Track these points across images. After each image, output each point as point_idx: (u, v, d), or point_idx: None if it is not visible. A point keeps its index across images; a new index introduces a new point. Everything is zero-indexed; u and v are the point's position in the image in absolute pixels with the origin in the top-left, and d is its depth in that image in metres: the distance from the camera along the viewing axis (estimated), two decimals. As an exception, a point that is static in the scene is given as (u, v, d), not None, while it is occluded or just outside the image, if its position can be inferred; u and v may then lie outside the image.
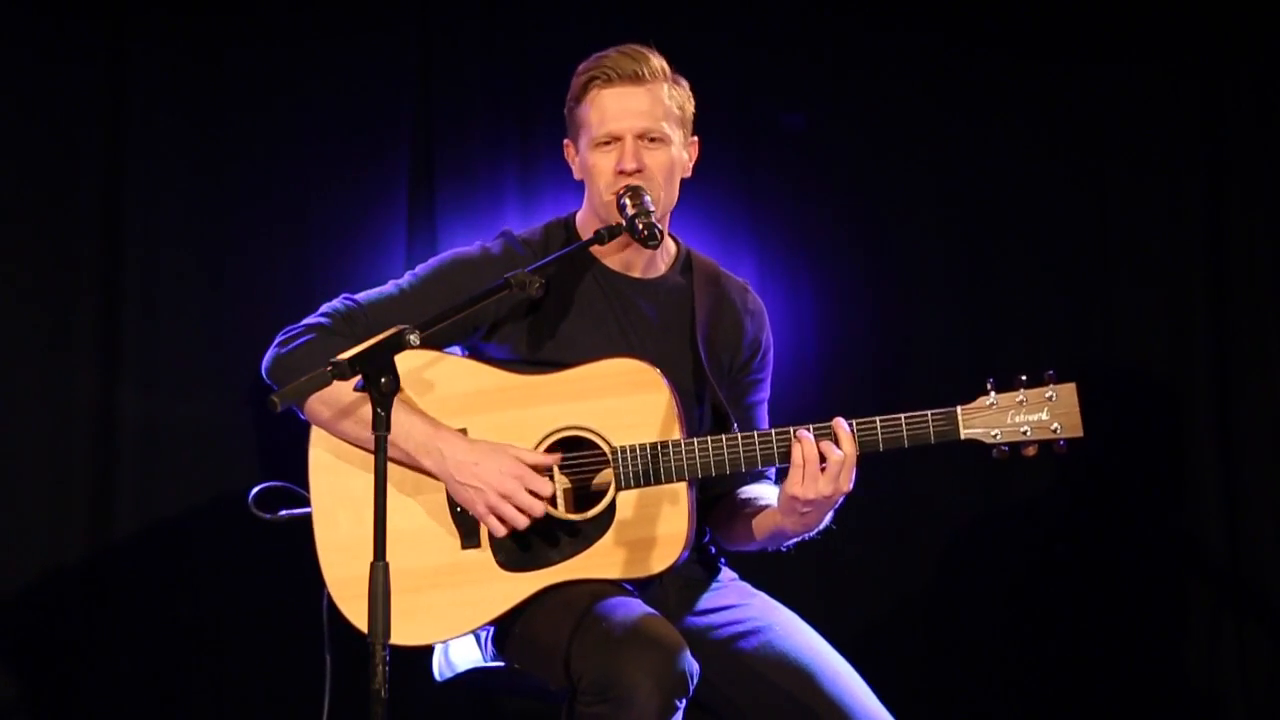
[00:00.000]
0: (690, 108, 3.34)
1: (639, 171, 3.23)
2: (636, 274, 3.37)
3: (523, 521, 3.12)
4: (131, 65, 4.37)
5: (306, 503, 3.26)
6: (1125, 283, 4.69)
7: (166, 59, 4.39)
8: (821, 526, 3.21)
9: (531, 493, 3.12)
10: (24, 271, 4.32)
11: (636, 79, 3.24)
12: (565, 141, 3.37)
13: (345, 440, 3.21)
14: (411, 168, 4.49)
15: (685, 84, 3.34)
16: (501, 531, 3.13)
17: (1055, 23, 4.68)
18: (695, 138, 3.36)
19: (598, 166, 3.26)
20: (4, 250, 4.30)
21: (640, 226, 3.14)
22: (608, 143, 3.25)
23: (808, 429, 3.10)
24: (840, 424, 3.09)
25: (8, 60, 4.31)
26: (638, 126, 3.24)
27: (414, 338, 2.82)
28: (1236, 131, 4.68)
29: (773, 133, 4.66)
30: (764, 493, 3.33)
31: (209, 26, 4.41)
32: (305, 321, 3.25)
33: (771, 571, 3.56)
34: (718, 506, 3.39)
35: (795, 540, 3.26)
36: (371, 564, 2.73)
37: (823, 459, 3.08)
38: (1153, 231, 4.70)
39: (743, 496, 3.35)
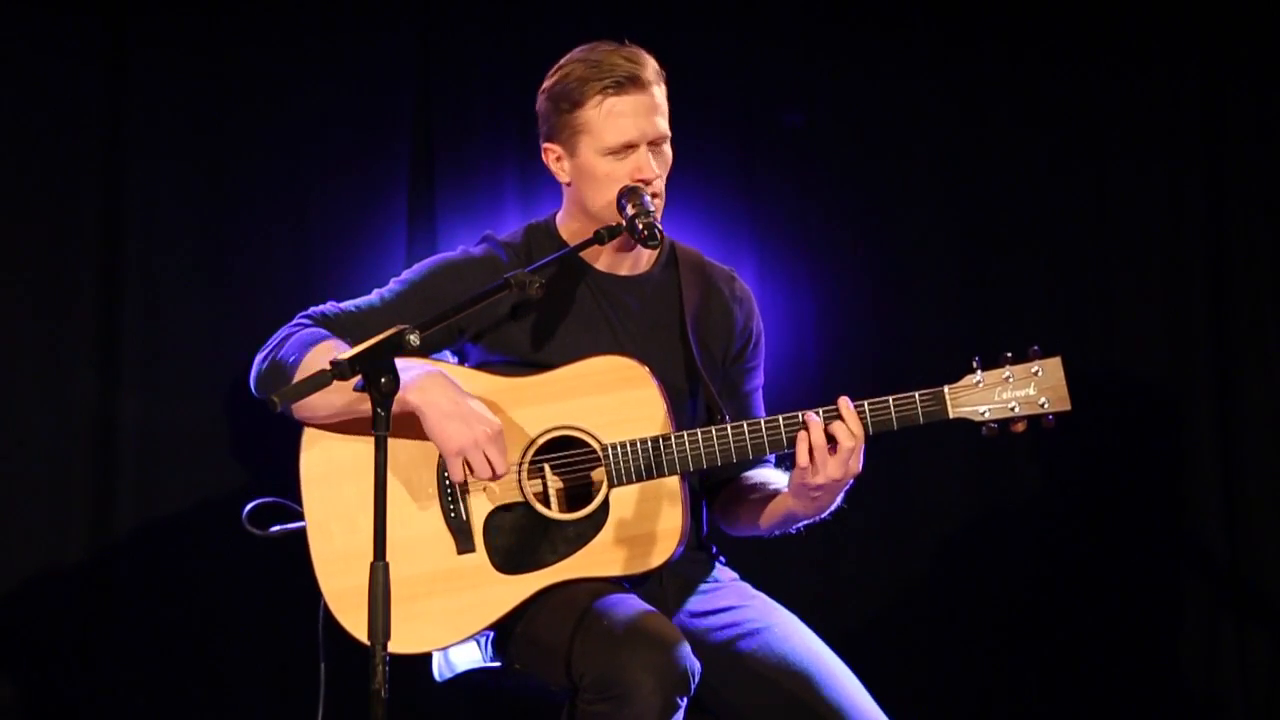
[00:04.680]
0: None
1: (657, 178, 3.23)
2: (623, 271, 3.37)
3: (486, 472, 3.08)
4: (131, 65, 4.37)
5: (299, 517, 3.25)
6: (1125, 283, 4.69)
7: (166, 59, 4.39)
8: (833, 508, 3.20)
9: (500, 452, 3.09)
10: (24, 272, 4.31)
11: (644, 84, 3.22)
12: (546, 145, 3.31)
13: (333, 413, 3.15)
14: (411, 168, 4.49)
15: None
16: (459, 477, 3.10)
17: (1055, 22, 4.68)
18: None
19: (611, 175, 3.23)
20: (4, 251, 4.30)
21: (640, 227, 3.15)
22: (620, 150, 3.23)
23: (817, 413, 3.09)
24: (846, 406, 3.08)
25: (8, 60, 4.31)
26: (653, 133, 3.23)
27: (414, 338, 2.82)
28: (1236, 131, 4.68)
29: (773, 133, 4.66)
30: (770, 477, 3.32)
31: (209, 26, 4.41)
32: (284, 327, 3.26)
33: (771, 572, 3.56)
34: (722, 493, 3.39)
35: (807, 523, 3.26)
36: (371, 564, 2.72)
37: (832, 441, 3.07)
38: (1153, 231, 4.70)
39: (748, 482, 3.35)
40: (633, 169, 3.22)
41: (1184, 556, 4.67)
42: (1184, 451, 4.66)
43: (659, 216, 3.25)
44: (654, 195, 3.22)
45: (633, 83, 3.21)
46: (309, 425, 3.23)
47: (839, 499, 3.19)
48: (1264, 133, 4.66)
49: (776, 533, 3.32)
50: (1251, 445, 4.64)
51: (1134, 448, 4.65)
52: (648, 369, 3.19)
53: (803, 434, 3.08)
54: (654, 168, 3.22)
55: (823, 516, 3.23)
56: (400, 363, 2.90)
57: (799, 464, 3.09)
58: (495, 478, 3.12)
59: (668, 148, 3.27)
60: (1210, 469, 4.64)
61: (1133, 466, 4.64)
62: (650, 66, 3.25)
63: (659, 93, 3.26)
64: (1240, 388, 4.65)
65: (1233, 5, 4.66)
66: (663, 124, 3.25)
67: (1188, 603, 4.66)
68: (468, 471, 3.11)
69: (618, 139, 3.21)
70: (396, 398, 2.86)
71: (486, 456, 3.08)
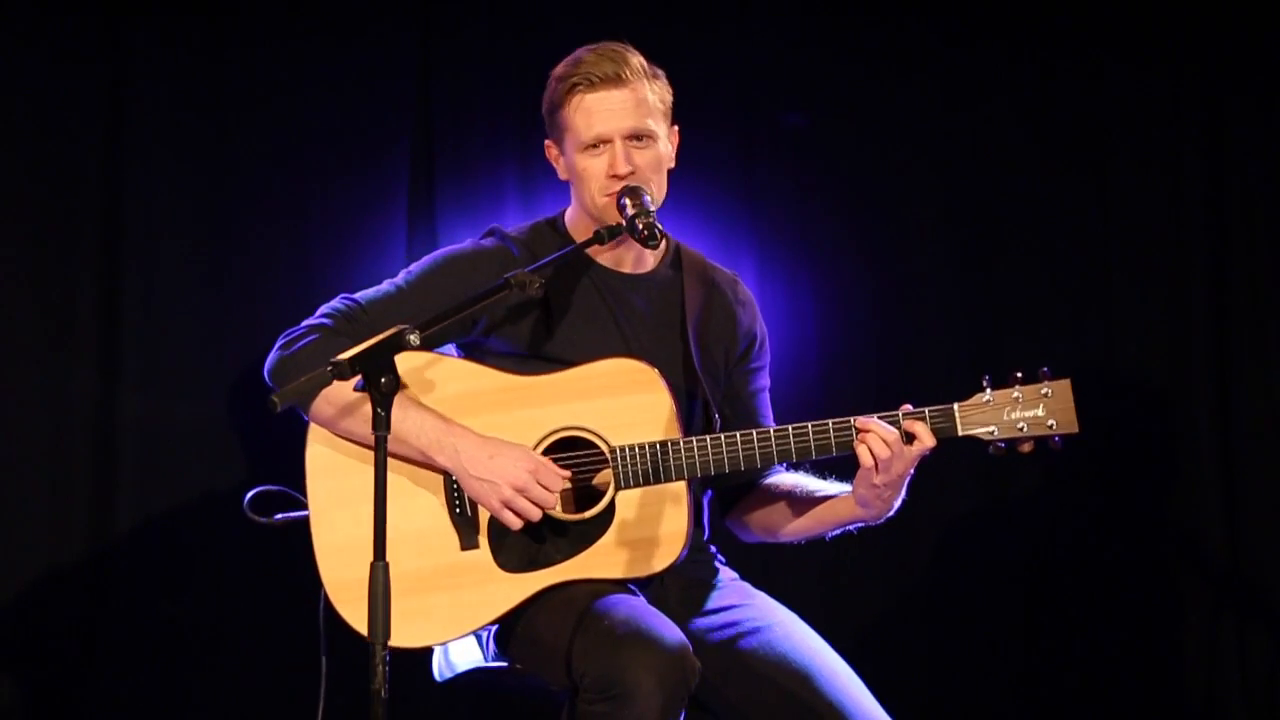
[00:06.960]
0: (669, 98, 3.35)
1: (631, 173, 3.24)
2: (628, 269, 3.38)
3: (536, 514, 3.13)
4: (131, 65, 4.37)
5: (302, 506, 3.25)
6: (1125, 283, 4.69)
7: (166, 59, 4.39)
8: (899, 505, 3.20)
9: (544, 487, 3.13)
10: (24, 271, 4.31)
11: (619, 81, 3.25)
12: (547, 143, 3.37)
13: (351, 439, 3.21)
14: (411, 168, 4.50)
15: (662, 75, 3.34)
16: (516, 525, 3.13)
17: (1056, 22, 4.68)
18: (675, 126, 3.37)
19: (589, 171, 3.27)
20: (3, 250, 4.30)
21: (640, 226, 3.16)
22: (595, 146, 3.26)
23: (853, 421, 3.10)
24: (865, 422, 3.11)
25: (8, 60, 4.31)
26: (625, 128, 3.25)
27: (414, 337, 2.82)
28: (1237, 131, 4.68)
29: (773, 133, 4.66)
30: (804, 482, 3.33)
31: (209, 26, 4.41)
32: (306, 323, 3.25)
33: (772, 572, 3.57)
34: (744, 499, 3.40)
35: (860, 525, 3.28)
36: (371, 564, 2.73)
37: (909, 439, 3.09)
38: (1153, 231, 4.70)
39: (784, 487, 3.34)
40: (606, 164, 3.25)
41: (1184, 556, 4.67)
42: (1184, 451, 4.66)
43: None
44: (635, 188, 3.21)
45: (606, 80, 3.24)
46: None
47: (903, 494, 3.18)
48: (1264, 132, 4.66)
49: (822, 536, 3.33)
50: (1251, 445, 4.65)
51: (1134, 448, 4.64)
52: (658, 372, 3.20)
53: (861, 446, 3.10)
54: (624, 163, 3.23)
55: (888, 516, 3.22)
56: (414, 415, 3.07)
57: (865, 466, 3.10)
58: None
59: (658, 145, 3.28)
60: (1210, 469, 4.64)
61: (1133, 466, 4.64)
62: (631, 65, 3.26)
63: (643, 88, 3.27)
64: (1240, 388, 4.65)
65: (1233, 5, 4.66)
66: (643, 120, 3.26)
67: (1188, 603, 4.66)
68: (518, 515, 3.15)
69: (588, 134, 3.25)
70: (425, 454, 3.07)
71: (531, 501, 3.12)
